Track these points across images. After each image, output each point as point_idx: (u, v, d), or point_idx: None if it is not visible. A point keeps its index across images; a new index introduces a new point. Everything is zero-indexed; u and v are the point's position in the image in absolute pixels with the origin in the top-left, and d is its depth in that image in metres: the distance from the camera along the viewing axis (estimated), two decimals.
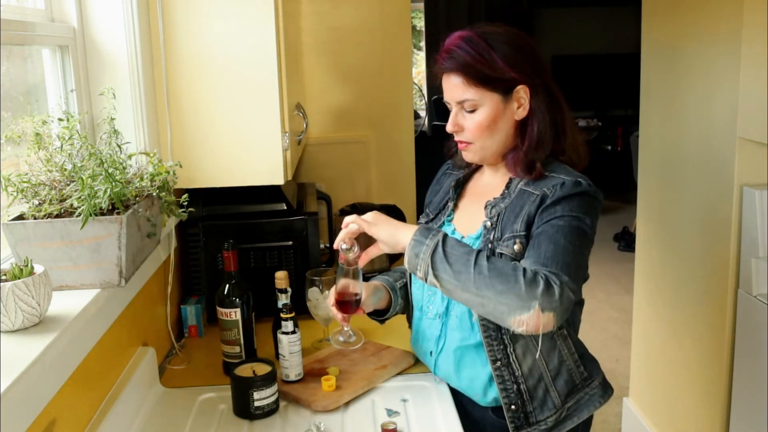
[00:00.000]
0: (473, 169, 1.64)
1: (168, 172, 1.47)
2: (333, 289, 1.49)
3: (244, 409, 1.51)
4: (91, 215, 1.25)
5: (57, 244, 1.27)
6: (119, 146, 1.44)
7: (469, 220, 1.56)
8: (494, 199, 1.50)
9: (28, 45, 1.48)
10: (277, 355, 1.67)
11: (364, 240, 1.44)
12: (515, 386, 1.47)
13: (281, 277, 1.68)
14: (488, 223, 1.47)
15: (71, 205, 1.28)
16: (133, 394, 1.50)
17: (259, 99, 1.72)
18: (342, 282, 1.46)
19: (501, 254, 1.42)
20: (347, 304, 1.49)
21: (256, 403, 1.50)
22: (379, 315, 1.68)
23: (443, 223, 1.60)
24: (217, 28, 1.69)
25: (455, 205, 1.61)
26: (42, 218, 1.27)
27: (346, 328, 1.53)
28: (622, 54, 7.37)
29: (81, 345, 1.29)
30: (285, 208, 2.03)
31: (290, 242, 2.00)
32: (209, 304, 1.96)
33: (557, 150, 1.49)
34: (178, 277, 1.99)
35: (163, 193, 1.46)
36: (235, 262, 1.68)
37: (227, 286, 1.67)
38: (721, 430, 2.33)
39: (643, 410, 3.00)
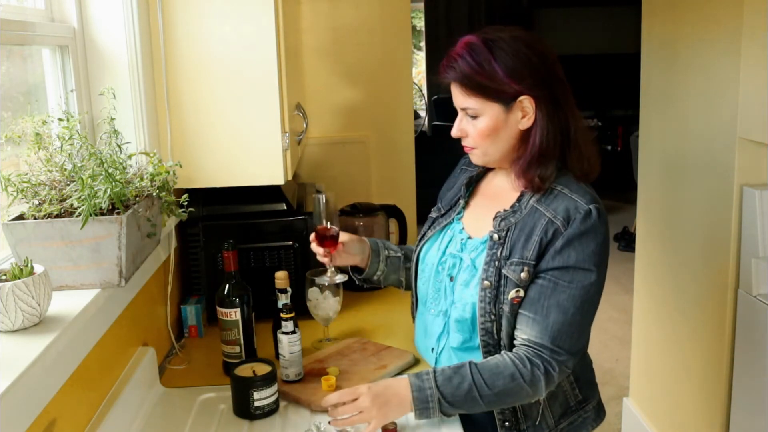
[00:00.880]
0: (488, 167, 1.62)
1: (168, 172, 1.47)
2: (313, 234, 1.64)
3: (244, 409, 1.51)
4: (91, 215, 1.25)
5: (57, 244, 1.27)
6: (119, 146, 1.44)
7: (477, 222, 1.56)
8: (504, 211, 1.48)
9: (28, 45, 1.48)
10: (277, 355, 1.67)
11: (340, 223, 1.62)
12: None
13: (281, 277, 1.68)
14: (495, 236, 1.46)
15: (71, 205, 1.28)
16: (133, 394, 1.50)
17: (259, 99, 1.72)
18: (320, 225, 1.62)
19: (506, 276, 1.42)
20: (325, 238, 1.61)
21: (256, 403, 1.50)
22: (361, 273, 1.72)
23: (453, 220, 1.60)
24: (217, 28, 1.69)
25: (466, 203, 1.61)
26: (42, 218, 1.27)
27: (330, 268, 1.65)
28: (622, 54, 7.38)
29: (81, 345, 1.29)
30: (285, 208, 2.03)
31: (290, 242, 2.00)
32: (209, 304, 1.96)
33: (566, 161, 1.47)
34: (178, 277, 1.99)
35: (163, 193, 1.46)
36: (235, 262, 1.68)
37: (227, 286, 1.67)
38: (721, 430, 2.33)
39: (643, 410, 3.00)
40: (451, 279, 1.54)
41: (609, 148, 7.73)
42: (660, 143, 2.74)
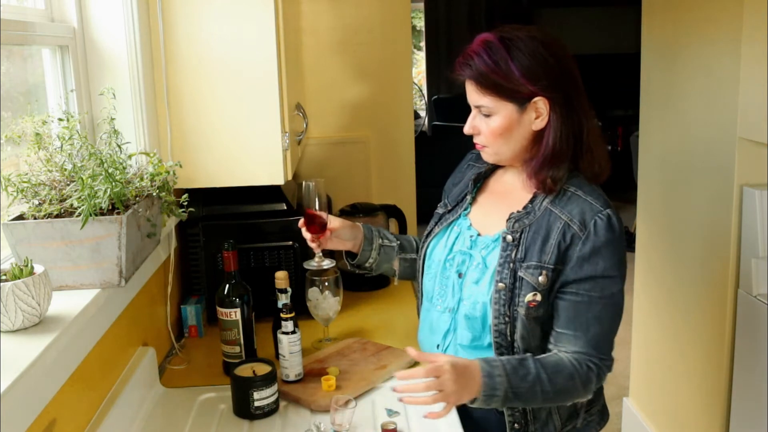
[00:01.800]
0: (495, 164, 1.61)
1: (168, 172, 1.47)
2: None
3: (244, 409, 1.51)
4: (91, 215, 1.25)
5: (57, 244, 1.27)
6: (119, 146, 1.44)
7: (486, 219, 1.56)
8: (518, 212, 1.48)
9: (28, 45, 1.48)
10: (277, 355, 1.66)
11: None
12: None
13: (281, 277, 1.68)
14: (509, 237, 1.46)
15: (71, 205, 1.28)
16: (133, 394, 1.50)
17: (259, 99, 1.72)
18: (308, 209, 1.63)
19: (522, 279, 1.42)
20: (313, 223, 1.61)
21: (256, 403, 1.50)
22: (353, 259, 1.73)
23: (459, 216, 1.60)
24: (217, 28, 1.69)
25: (474, 199, 1.61)
26: (42, 218, 1.27)
27: (318, 253, 1.67)
28: (622, 54, 7.37)
29: (81, 345, 1.29)
30: (285, 208, 2.03)
31: (290, 242, 2.00)
32: (209, 304, 1.96)
33: (578, 163, 1.47)
34: (178, 277, 1.99)
35: (163, 193, 1.46)
36: (235, 262, 1.68)
37: (227, 286, 1.67)
38: (721, 430, 2.33)
39: (643, 410, 3.00)
40: (460, 276, 1.54)
41: (609, 148, 7.73)
42: (660, 143, 2.74)
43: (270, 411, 1.52)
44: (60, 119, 1.35)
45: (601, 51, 8.03)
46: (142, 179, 1.41)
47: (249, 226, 2.00)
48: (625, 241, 1.46)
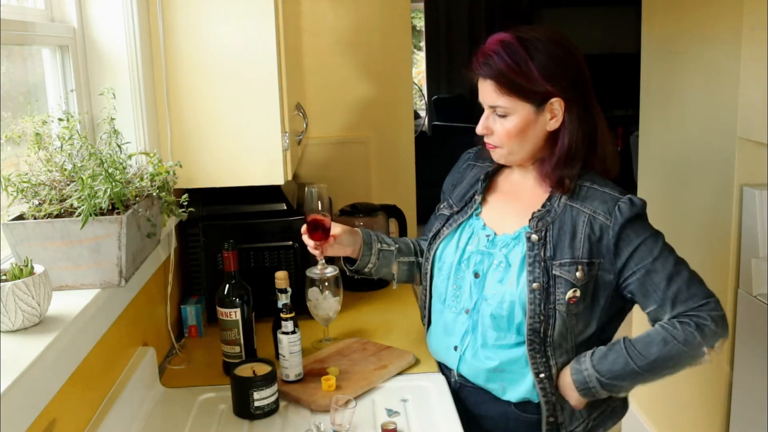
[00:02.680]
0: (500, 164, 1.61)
1: (168, 172, 1.47)
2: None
3: (244, 409, 1.51)
4: (91, 215, 1.25)
5: (57, 244, 1.27)
6: (119, 146, 1.44)
7: (501, 218, 1.56)
8: (538, 211, 1.49)
9: (28, 45, 1.48)
10: (277, 355, 1.66)
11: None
12: (554, 398, 1.49)
13: (281, 277, 1.68)
14: (534, 237, 1.46)
15: (71, 205, 1.28)
16: (133, 394, 1.50)
17: (259, 99, 1.72)
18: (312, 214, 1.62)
19: (557, 276, 1.43)
20: (316, 230, 1.61)
21: (256, 403, 1.50)
22: (352, 264, 1.72)
23: (471, 216, 1.59)
24: (218, 28, 1.69)
25: (483, 199, 1.61)
26: (42, 218, 1.27)
27: (320, 260, 1.67)
28: (622, 54, 7.37)
29: (81, 345, 1.29)
30: (285, 208, 2.03)
31: (290, 242, 2.00)
32: (209, 304, 1.96)
33: (589, 161, 1.49)
34: (178, 277, 1.99)
35: (163, 193, 1.46)
36: (235, 262, 1.68)
37: (227, 286, 1.67)
38: (721, 430, 2.33)
39: (643, 410, 3.00)
40: (476, 276, 1.54)
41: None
42: (660, 143, 2.74)
43: (270, 411, 1.52)
44: (60, 119, 1.35)
45: (601, 51, 8.02)
46: (142, 179, 1.41)
47: (249, 226, 2.00)
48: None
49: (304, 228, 1.62)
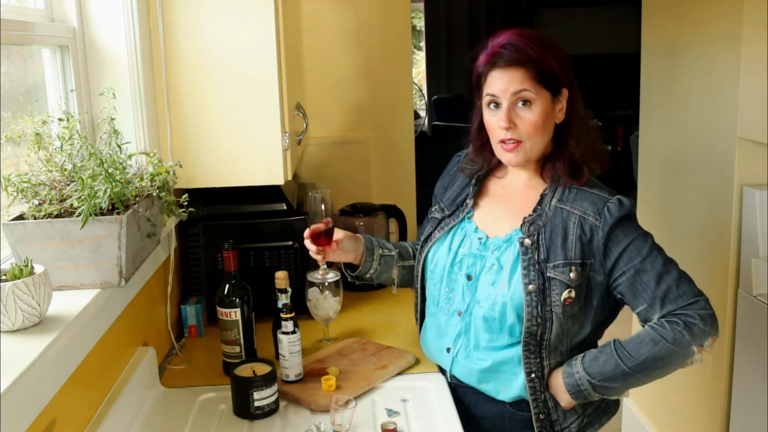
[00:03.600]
0: (491, 166, 1.62)
1: (168, 172, 1.47)
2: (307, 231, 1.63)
3: (244, 409, 1.51)
4: (91, 215, 1.25)
5: (57, 244, 1.27)
6: (119, 146, 1.44)
7: (493, 221, 1.56)
8: (530, 215, 1.50)
9: (28, 45, 1.48)
10: (277, 355, 1.66)
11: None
12: (543, 396, 1.49)
13: (281, 277, 1.68)
14: (527, 241, 1.47)
15: (71, 205, 1.28)
16: (133, 394, 1.50)
17: (259, 99, 1.72)
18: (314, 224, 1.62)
19: (552, 278, 1.44)
20: (319, 236, 1.60)
21: (256, 403, 1.50)
22: (353, 270, 1.72)
23: (462, 219, 1.60)
24: (218, 28, 1.69)
25: (474, 202, 1.61)
26: (42, 218, 1.27)
27: (322, 265, 1.66)
28: (622, 54, 7.37)
29: (81, 345, 1.29)
30: (285, 208, 2.03)
31: (290, 242, 2.00)
32: (209, 304, 1.96)
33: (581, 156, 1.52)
34: (178, 277, 1.99)
35: (163, 193, 1.46)
36: (235, 262, 1.68)
37: (227, 286, 1.67)
38: (721, 430, 2.33)
39: (643, 410, 3.00)
40: (469, 278, 1.54)
41: (609, 148, 7.72)
42: (660, 143, 2.74)
43: (270, 411, 1.52)
44: (60, 119, 1.35)
45: (601, 51, 8.03)
46: (142, 179, 1.41)
47: (249, 226, 2.00)
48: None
49: (307, 233, 1.61)
